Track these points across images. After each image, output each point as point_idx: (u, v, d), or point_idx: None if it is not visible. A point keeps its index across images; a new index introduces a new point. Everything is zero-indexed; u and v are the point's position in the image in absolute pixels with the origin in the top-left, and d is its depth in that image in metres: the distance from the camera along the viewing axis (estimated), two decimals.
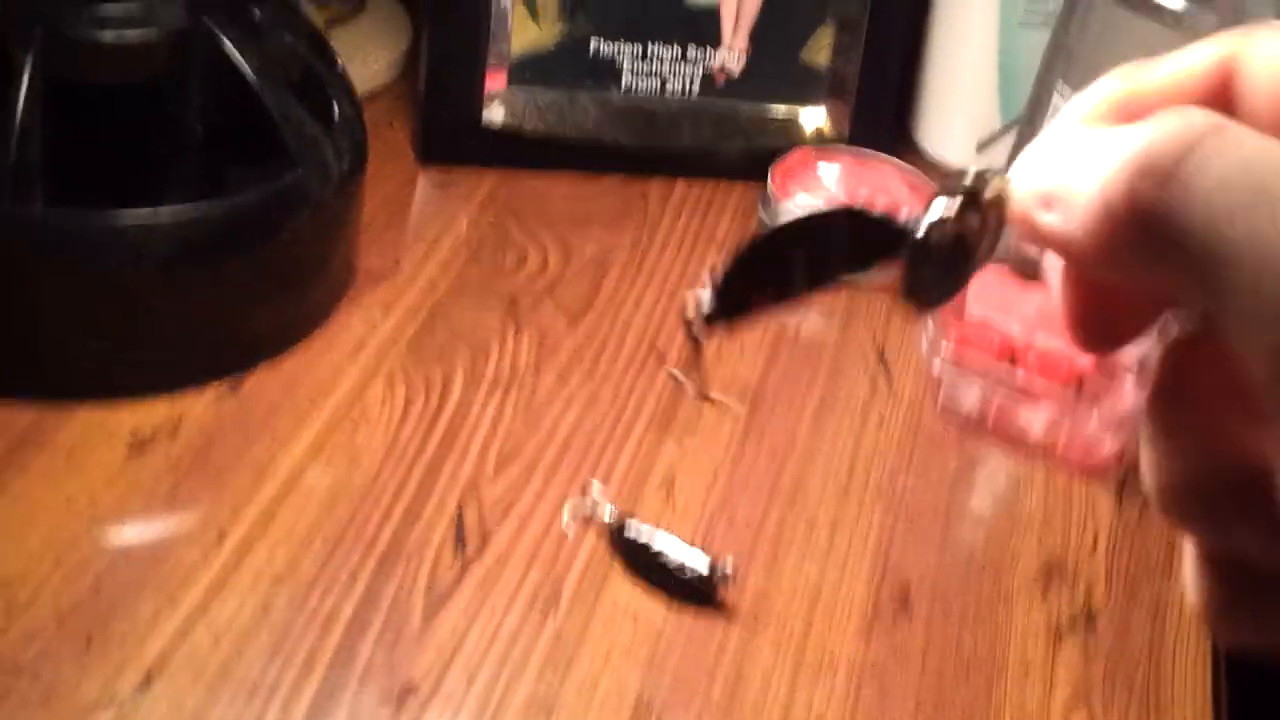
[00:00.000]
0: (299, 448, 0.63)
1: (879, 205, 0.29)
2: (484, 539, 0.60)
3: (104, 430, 0.61)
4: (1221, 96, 0.24)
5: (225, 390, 0.65)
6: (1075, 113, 0.26)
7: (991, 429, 0.71)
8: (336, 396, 0.66)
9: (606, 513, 0.61)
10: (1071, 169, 0.23)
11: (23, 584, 0.54)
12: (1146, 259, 0.21)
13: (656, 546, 0.59)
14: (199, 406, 0.64)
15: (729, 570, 0.58)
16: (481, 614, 0.57)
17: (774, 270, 0.30)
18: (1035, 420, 0.71)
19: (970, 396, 0.72)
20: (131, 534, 0.58)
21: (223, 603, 0.55)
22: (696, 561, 0.59)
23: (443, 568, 0.59)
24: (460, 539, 0.60)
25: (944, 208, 0.28)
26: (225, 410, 0.64)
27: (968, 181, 0.28)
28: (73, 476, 0.59)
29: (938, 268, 0.29)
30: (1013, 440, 0.71)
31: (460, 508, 0.61)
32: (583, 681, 0.55)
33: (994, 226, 0.28)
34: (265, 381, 0.66)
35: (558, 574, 0.59)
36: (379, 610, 0.56)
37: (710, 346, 0.73)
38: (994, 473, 0.69)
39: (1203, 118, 0.21)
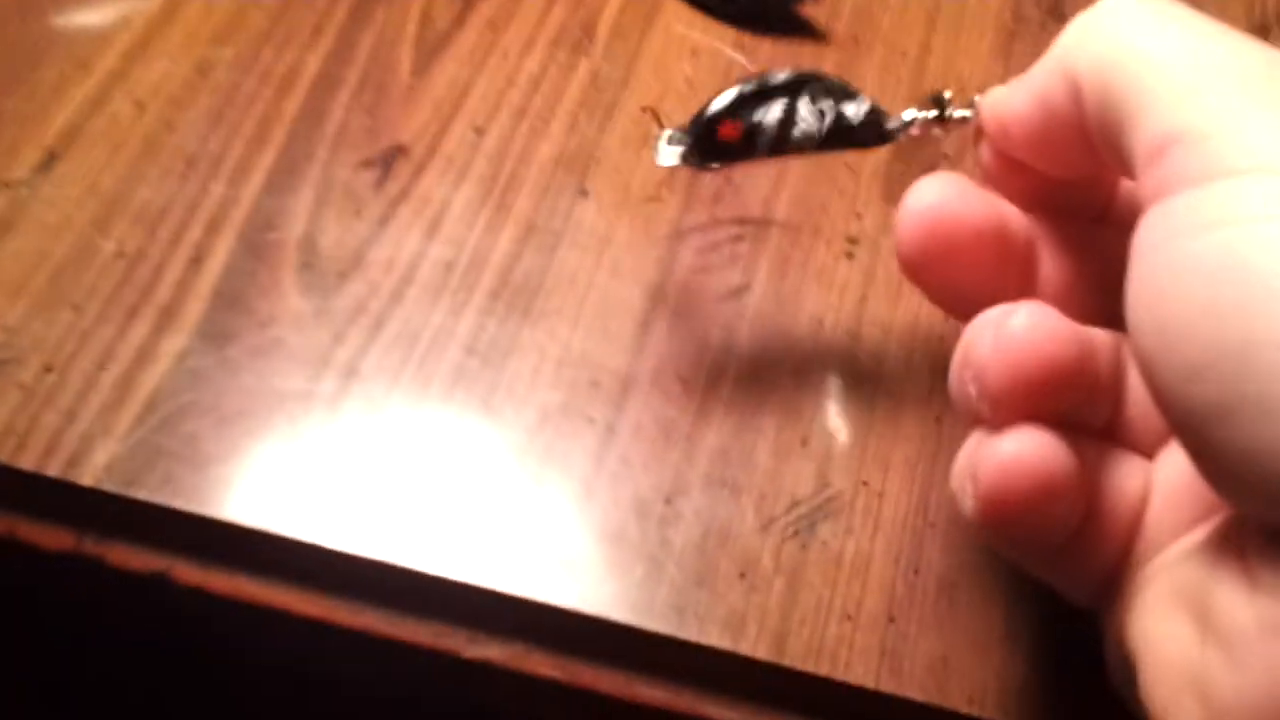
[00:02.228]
0: None
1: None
2: None
3: None
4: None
5: None
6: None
7: None
8: None
9: None
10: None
11: None
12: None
13: None
14: None
15: None
16: (490, 60, 0.43)
17: (749, 109, 0.32)
18: None
19: None
20: None
21: (147, 66, 0.42)
22: None
23: (438, 9, 0.44)
24: None
25: (913, 116, 0.32)
26: None
27: (948, 98, 0.32)
28: None
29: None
30: None
31: None
32: (629, 133, 0.41)
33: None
34: None
35: (591, 5, 0.45)
36: (353, 65, 0.42)
37: None
38: None
39: None
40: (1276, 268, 0.21)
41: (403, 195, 0.39)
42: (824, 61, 0.43)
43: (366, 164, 0.40)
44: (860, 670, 0.31)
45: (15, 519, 0.34)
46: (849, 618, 0.31)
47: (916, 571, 0.32)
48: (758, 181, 0.40)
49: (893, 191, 0.34)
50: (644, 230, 0.39)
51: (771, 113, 0.31)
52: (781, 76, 0.32)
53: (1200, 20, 0.26)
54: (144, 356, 0.35)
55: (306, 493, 0.33)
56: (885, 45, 0.44)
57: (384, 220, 0.39)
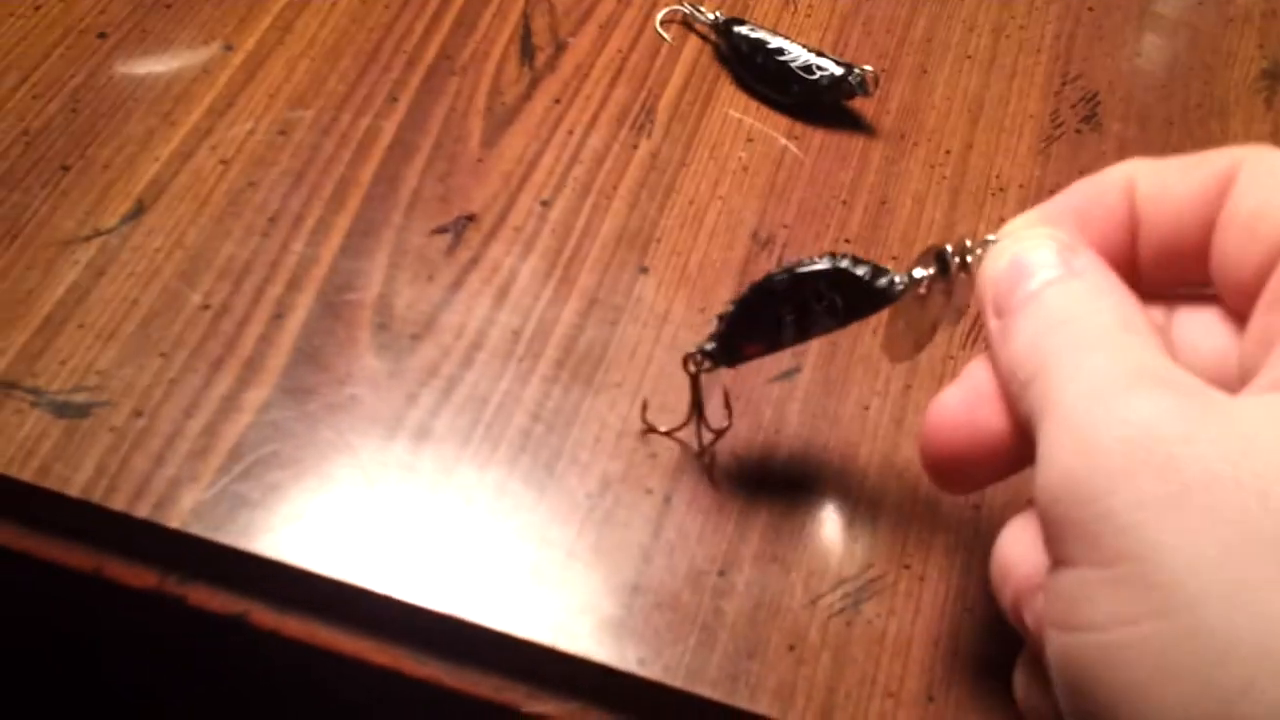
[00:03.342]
0: None
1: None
2: (557, 49, 0.48)
3: None
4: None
5: None
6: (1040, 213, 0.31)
7: None
8: None
9: (711, 15, 0.48)
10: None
11: None
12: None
13: (774, 45, 0.46)
14: None
15: (868, 76, 0.46)
16: (556, 135, 0.45)
17: (766, 323, 0.34)
18: None
19: None
20: (115, 45, 0.46)
21: (231, 124, 0.44)
22: (827, 64, 0.46)
23: (506, 83, 0.47)
24: (527, 50, 0.48)
25: (922, 275, 0.33)
26: None
27: (950, 252, 0.32)
28: None
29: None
30: None
31: (526, 13, 0.49)
32: (686, 212, 0.43)
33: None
34: None
35: (652, 88, 0.47)
36: (427, 133, 0.45)
37: None
38: None
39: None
40: (1114, 686, 0.22)
41: (473, 262, 0.41)
42: (872, 154, 0.46)
43: (439, 230, 0.42)
44: None
45: (103, 557, 0.36)
46: (891, 695, 0.33)
47: (955, 654, 0.34)
48: None
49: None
50: (700, 309, 0.41)
51: (785, 321, 0.33)
52: (779, 280, 0.33)
53: (1111, 323, 0.26)
54: (229, 407, 0.37)
55: (380, 546, 0.35)
56: (930, 141, 0.46)
57: (455, 286, 0.41)
